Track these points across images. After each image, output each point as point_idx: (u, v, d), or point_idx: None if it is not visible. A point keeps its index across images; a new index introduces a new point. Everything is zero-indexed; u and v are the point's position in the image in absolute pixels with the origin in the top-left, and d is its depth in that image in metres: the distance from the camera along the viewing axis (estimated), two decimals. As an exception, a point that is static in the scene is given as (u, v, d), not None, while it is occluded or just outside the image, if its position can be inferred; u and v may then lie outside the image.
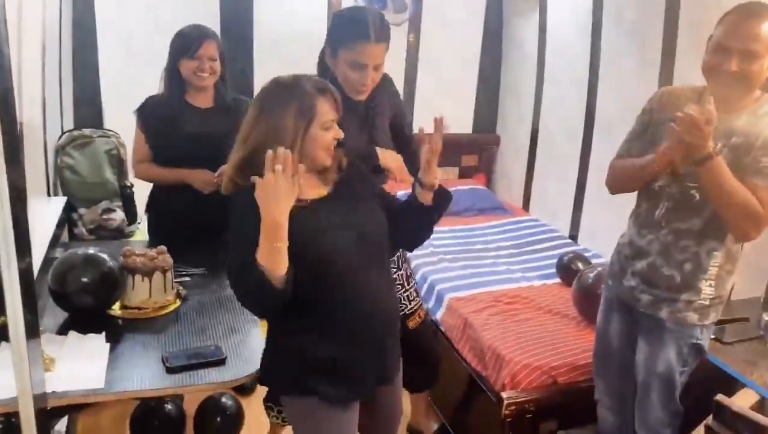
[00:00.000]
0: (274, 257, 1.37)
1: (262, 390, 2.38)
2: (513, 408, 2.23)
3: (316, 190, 1.60)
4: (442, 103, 4.17)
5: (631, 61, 3.19)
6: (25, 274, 1.32)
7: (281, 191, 1.34)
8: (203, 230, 2.24)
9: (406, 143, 2.24)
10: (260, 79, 3.87)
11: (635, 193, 2.04)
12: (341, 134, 1.57)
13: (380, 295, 1.63)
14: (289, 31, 3.90)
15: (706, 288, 1.88)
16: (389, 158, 2.08)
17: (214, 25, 3.70)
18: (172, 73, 2.37)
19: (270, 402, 2.30)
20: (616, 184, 2.04)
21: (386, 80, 2.14)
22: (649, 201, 1.95)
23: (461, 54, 4.37)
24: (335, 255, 1.53)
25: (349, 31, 1.93)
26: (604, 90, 3.44)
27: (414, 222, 1.71)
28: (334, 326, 1.56)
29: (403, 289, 2.30)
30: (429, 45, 4.23)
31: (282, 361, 1.61)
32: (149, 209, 2.59)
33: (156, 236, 2.44)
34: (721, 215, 1.79)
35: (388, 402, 1.83)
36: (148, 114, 2.42)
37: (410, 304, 2.31)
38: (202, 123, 2.39)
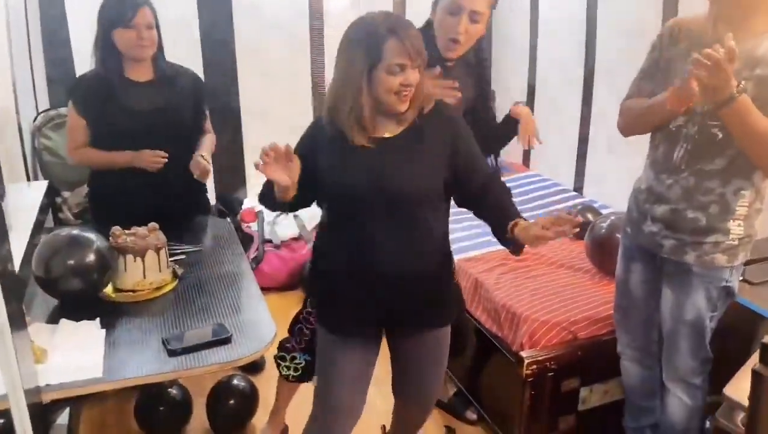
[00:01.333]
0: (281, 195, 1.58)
1: (273, 366, 2.27)
2: (534, 367, 2.14)
3: (384, 129, 1.61)
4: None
5: (631, 1, 3.04)
6: (3, 263, 1.20)
7: (275, 176, 1.51)
8: (162, 210, 2.04)
9: (490, 117, 2.21)
10: (241, 44, 3.77)
11: (644, 139, 1.93)
12: (412, 79, 1.52)
13: (386, 246, 1.60)
14: (271, 37, 3.72)
15: (735, 228, 1.79)
16: (523, 113, 2.05)
17: (193, 29, 3.54)
18: (106, 45, 2.13)
19: (283, 352, 2.19)
20: (628, 126, 1.94)
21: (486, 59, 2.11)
22: (665, 143, 1.84)
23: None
24: (348, 191, 1.60)
25: None
26: (602, 33, 3.30)
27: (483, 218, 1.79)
28: (336, 258, 1.68)
29: None
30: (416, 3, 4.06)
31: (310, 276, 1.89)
32: (93, 197, 2.40)
33: (106, 224, 2.02)
34: (748, 154, 1.68)
35: (409, 352, 1.81)
36: (84, 94, 2.20)
37: None
38: (144, 98, 2.18)
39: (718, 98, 1.57)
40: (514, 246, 1.63)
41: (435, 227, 1.69)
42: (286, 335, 2.18)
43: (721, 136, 1.71)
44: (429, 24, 1.97)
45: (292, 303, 2.18)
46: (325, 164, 1.61)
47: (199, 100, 2.36)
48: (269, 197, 1.63)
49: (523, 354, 2.17)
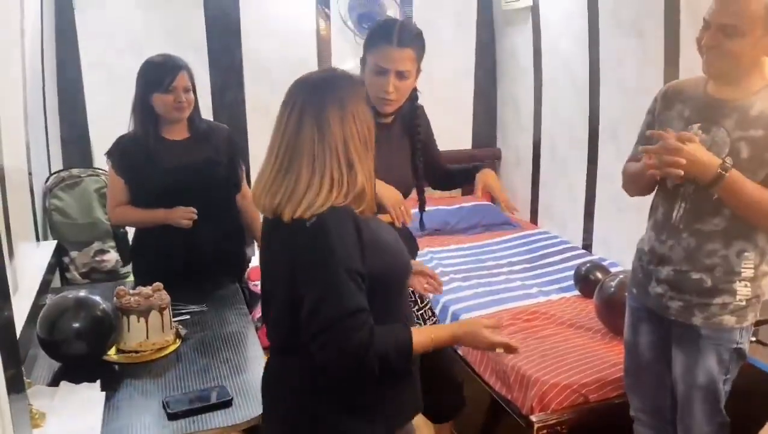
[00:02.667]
0: None
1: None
2: (545, 431, 2.08)
3: None
4: (439, 121, 4.03)
5: (632, 61, 3.09)
6: (4, 325, 1.20)
7: None
8: (194, 266, 2.10)
9: (437, 163, 2.21)
10: (252, 107, 3.85)
11: (650, 198, 1.93)
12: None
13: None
14: (279, 57, 3.81)
15: (742, 289, 1.75)
16: (489, 181, 2.08)
17: (201, 56, 3.65)
18: (144, 108, 2.21)
19: None
20: (628, 188, 1.96)
21: (420, 108, 2.09)
22: (665, 203, 1.84)
23: (455, 69, 4.29)
24: (404, 259, 1.39)
25: (372, 36, 1.92)
26: (606, 93, 3.35)
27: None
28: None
29: (417, 306, 2.16)
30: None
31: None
32: (135, 252, 2.45)
33: (145, 280, 2.11)
34: (747, 221, 1.68)
35: None
36: (121, 155, 2.26)
37: (425, 323, 2.17)
38: (180, 156, 2.24)
39: (703, 181, 1.61)
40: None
41: None
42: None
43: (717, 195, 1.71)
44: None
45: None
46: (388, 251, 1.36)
47: (233, 155, 2.40)
48: None
49: (533, 417, 2.11)
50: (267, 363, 1.42)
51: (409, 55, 1.87)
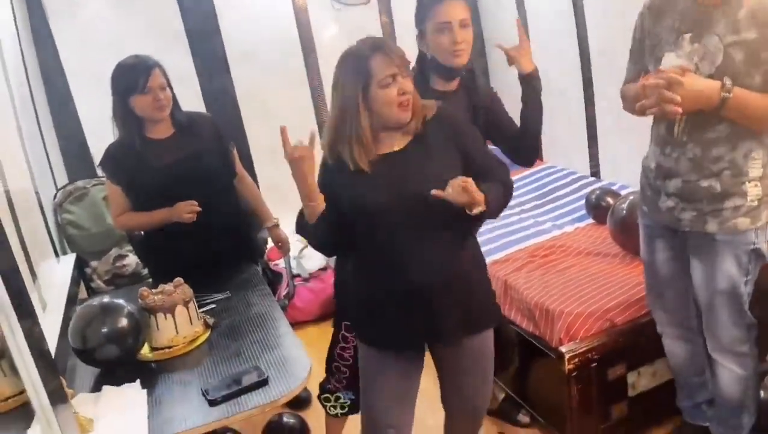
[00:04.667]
0: (307, 210, 1.64)
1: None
2: (576, 360, 2.11)
3: (390, 144, 1.64)
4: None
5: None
6: (36, 342, 1.24)
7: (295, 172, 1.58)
8: (208, 258, 2.11)
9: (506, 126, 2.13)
10: (241, 92, 3.84)
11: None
12: (406, 87, 1.57)
13: (416, 256, 1.62)
14: (260, 39, 3.79)
15: (752, 189, 1.75)
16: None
17: (181, 45, 3.62)
18: (124, 112, 2.18)
19: (326, 393, 2.21)
20: (631, 111, 1.93)
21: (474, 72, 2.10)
22: (664, 119, 1.81)
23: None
24: (366, 212, 1.63)
25: (425, 3, 1.95)
26: (592, 14, 3.29)
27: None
28: (370, 274, 1.72)
29: None
30: (402, 17, 4.08)
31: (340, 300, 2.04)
32: (147, 255, 2.47)
33: (162, 280, 2.05)
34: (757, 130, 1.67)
35: (452, 363, 1.82)
36: (113, 163, 2.26)
37: None
38: (169, 153, 2.23)
39: (709, 109, 1.60)
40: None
41: (459, 231, 1.70)
42: (324, 367, 2.20)
43: None
44: (421, 57, 2.00)
45: (329, 333, 2.20)
46: (343, 194, 1.63)
47: (221, 140, 2.40)
48: (303, 224, 1.69)
49: (563, 349, 2.15)
50: None
51: (464, 5, 1.93)
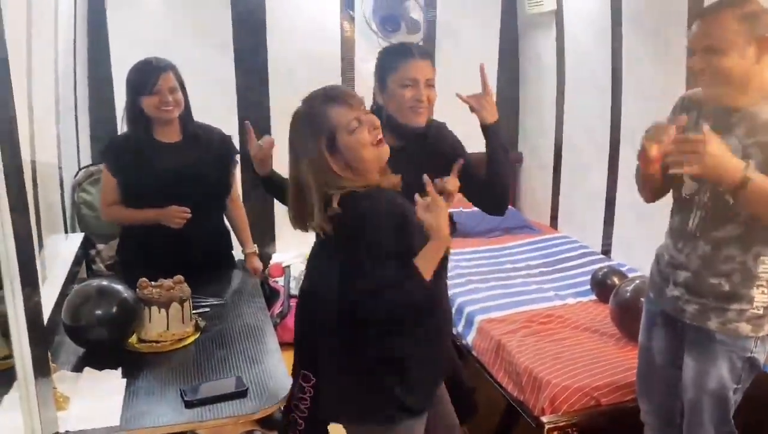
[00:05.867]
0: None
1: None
2: (555, 433, 2.09)
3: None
4: (461, 124, 4.07)
5: (654, 67, 3.08)
6: (33, 312, 1.27)
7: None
8: (181, 266, 2.04)
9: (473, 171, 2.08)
10: (275, 108, 3.92)
11: (669, 205, 1.93)
12: (376, 121, 1.54)
13: (445, 290, 1.70)
14: (303, 57, 3.88)
15: (759, 296, 1.74)
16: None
17: (227, 56, 3.72)
18: (134, 111, 2.26)
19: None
20: (642, 191, 1.95)
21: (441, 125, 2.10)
22: (680, 212, 1.84)
23: (478, 71, 4.30)
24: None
25: (392, 57, 1.94)
26: (628, 99, 3.34)
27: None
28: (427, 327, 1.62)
29: None
30: (444, 64, 4.15)
31: (366, 386, 1.59)
32: (121, 250, 2.49)
33: (130, 277, 2.01)
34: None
35: (444, 409, 1.85)
36: (115, 155, 2.32)
37: None
38: (171, 158, 2.28)
39: (728, 184, 1.60)
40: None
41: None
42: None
43: (732, 201, 1.70)
44: (377, 111, 1.89)
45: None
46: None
47: (225, 158, 2.44)
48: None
49: (544, 419, 2.13)
50: None
51: (430, 65, 1.93)
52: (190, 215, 2.23)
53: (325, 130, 1.49)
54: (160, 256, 2.20)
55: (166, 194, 2.25)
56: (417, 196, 1.49)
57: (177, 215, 2.23)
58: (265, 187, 1.95)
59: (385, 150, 1.54)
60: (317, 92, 1.56)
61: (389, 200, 1.51)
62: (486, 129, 1.96)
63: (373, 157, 1.52)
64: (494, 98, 1.97)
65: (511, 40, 4.36)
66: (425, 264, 1.45)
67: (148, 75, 2.21)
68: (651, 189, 1.91)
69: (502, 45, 4.34)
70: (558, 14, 3.87)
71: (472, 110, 1.94)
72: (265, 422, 2.44)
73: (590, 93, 3.66)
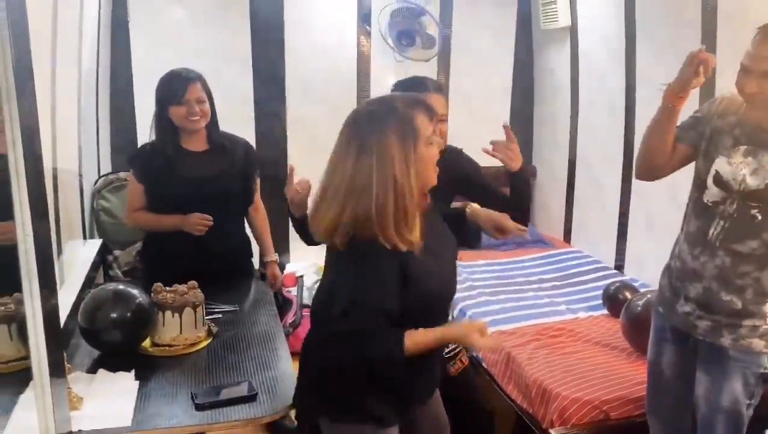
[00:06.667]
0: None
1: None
2: (563, 446, 2.09)
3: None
4: (476, 138, 4.09)
5: (668, 82, 3.08)
6: (50, 314, 1.31)
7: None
8: (200, 274, 2.08)
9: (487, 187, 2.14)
10: (292, 119, 3.97)
11: (682, 219, 1.93)
12: (442, 144, 1.56)
13: None
14: (320, 69, 3.94)
15: (773, 312, 1.74)
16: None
17: (246, 67, 3.78)
18: (163, 120, 2.32)
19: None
20: (639, 161, 1.95)
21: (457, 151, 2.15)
22: (700, 218, 1.83)
23: (492, 87, 4.34)
24: (449, 287, 1.61)
25: (407, 90, 1.93)
26: (642, 114, 3.34)
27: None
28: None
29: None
30: (459, 79, 4.22)
31: (338, 387, 1.53)
32: (144, 256, 2.55)
33: (152, 283, 2.04)
34: None
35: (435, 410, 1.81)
36: (142, 163, 2.38)
37: (450, 344, 2.19)
38: (197, 167, 2.34)
39: None
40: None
41: None
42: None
43: (759, 218, 1.70)
44: None
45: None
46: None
47: (249, 169, 2.50)
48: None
49: (553, 431, 2.13)
50: None
51: (443, 101, 1.97)
52: (211, 223, 2.28)
53: (411, 132, 1.39)
54: (181, 262, 2.24)
55: (190, 202, 2.30)
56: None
57: (199, 222, 2.27)
58: (297, 227, 1.92)
59: (435, 178, 1.47)
60: (402, 94, 1.54)
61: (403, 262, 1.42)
62: (513, 174, 1.96)
63: (434, 179, 1.46)
64: (517, 146, 1.94)
65: (526, 56, 4.39)
66: (421, 341, 1.42)
67: (177, 85, 2.27)
68: (654, 163, 1.89)
69: (517, 60, 4.37)
70: (572, 30, 3.89)
71: (497, 158, 1.92)
72: (273, 427, 2.46)
73: (604, 108, 3.67)
